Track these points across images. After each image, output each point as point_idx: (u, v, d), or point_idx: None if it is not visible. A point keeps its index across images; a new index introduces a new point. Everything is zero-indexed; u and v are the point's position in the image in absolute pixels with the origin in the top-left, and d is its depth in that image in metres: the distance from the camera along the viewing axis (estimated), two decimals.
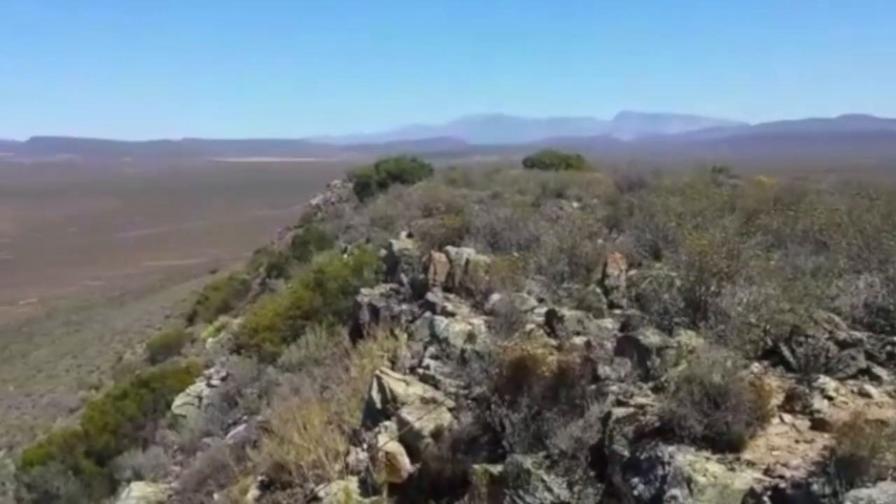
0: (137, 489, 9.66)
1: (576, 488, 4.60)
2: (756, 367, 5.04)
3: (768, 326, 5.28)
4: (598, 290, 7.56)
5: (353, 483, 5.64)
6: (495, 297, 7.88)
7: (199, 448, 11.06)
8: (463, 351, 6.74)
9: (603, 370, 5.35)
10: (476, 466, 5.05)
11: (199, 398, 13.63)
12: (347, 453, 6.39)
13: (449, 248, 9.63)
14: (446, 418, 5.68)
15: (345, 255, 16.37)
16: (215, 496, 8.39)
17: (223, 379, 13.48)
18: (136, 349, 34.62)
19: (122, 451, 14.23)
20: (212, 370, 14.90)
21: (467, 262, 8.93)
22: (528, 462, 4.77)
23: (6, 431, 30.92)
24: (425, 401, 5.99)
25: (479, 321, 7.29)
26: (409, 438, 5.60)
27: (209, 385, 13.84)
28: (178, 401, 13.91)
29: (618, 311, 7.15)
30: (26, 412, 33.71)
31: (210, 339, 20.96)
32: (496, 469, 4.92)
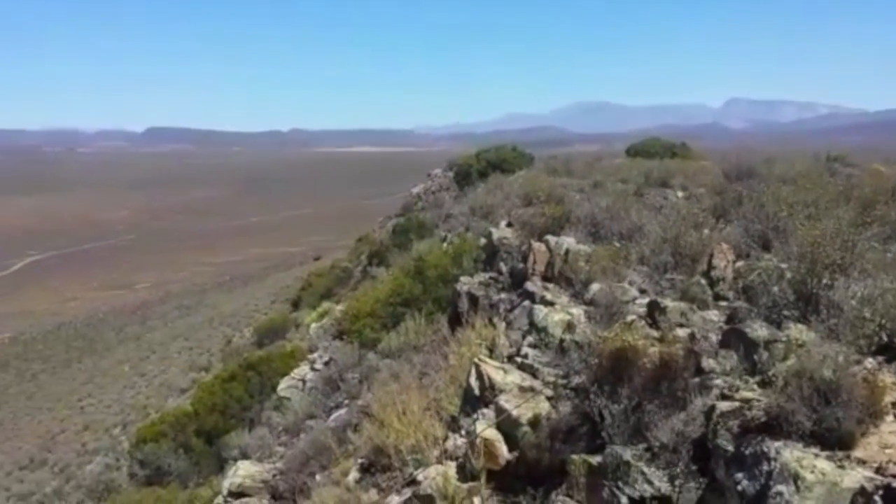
0: (244, 468, 9.97)
1: (677, 482, 4.51)
2: (870, 362, 4.82)
3: (884, 321, 5.03)
4: (703, 281, 7.37)
5: (451, 468, 5.68)
6: (595, 287, 7.78)
7: (302, 430, 11.35)
8: (562, 340, 6.69)
9: (707, 363, 5.21)
10: (574, 457, 5.00)
11: (303, 381, 13.97)
12: (445, 439, 6.44)
13: (549, 237, 9.56)
14: (544, 407, 5.65)
15: (444, 244, 16.47)
16: (317, 477, 8.59)
17: (326, 363, 13.78)
18: (243, 333, 35.80)
19: (229, 430, 14.77)
20: (315, 355, 15.25)
21: (567, 251, 8.84)
22: (627, 454, 4.70)
23: (121, 410, 32.58)
24: (523, 389, 5.98)
25: (578, 311, 7.21)
26: (506, 426, 5.60)
27: (312, 369, 14.17)
28: (283, 384, 14.30)
29: (723, 304, 6.95)
30: (140, 391, 35.42)
31: (313, 325, 21.44)
32: (595, 460, 4.87)
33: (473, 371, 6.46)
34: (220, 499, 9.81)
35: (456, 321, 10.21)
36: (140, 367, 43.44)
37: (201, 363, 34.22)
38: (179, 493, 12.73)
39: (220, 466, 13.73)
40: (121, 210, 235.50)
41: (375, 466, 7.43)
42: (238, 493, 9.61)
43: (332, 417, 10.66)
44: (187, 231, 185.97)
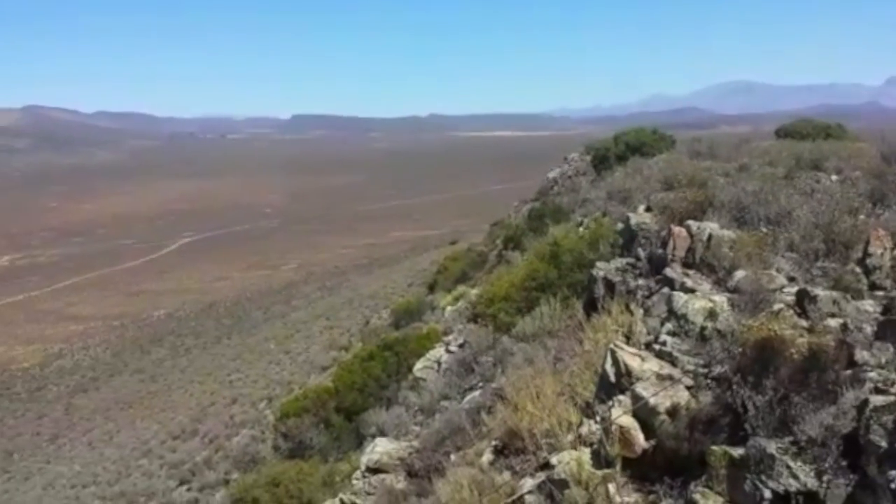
0: (381, 445, 10.24)
1: (825, 477, 4.30)
2: None
3: None
4: (858, 269, 6.95)
5: (585, 454, 5.62)
6: (740, 274, 7.49)
7: (437, 410, 11.53)
8: (703, 329, 6.48)
9: (860, 355, 4.92)
10: (715, 448, 4.85)
11: (438, 363, 14.19)
12: (580, 424, 6.37)
13: (690, 222, 9.25)
14: (683, 396, 5.49)
15: (581, 229, 16.27)
16: (452, 457, 8.71)
17: (461, 346, 13.93)
18: (381, 314, 36.65)
19: (367, 408, 15.20)
20: (450, 337, 15.44)
21: (710, 237, 8.53)
22: (772, 447, 4.51)
23: (267, 385, 34.10)
24: (661, 377, 5.83)
25: (721, 298, 6.95)
26: (643, 414, 5.48)
27: (447, 351, 14.36)
28: (419, 364, 14.57)
29: (880, 293, 6.54)
30: (284, 368, 36.94)
31: (449, 308, 21.72)
32: (737, 452, 4.70)
33: (609, 357, 6.35)
34: (358, 473, 10.11)
35: (591, 307, 10.07)
36: (284, 345, 45.29)
37: (341, 342, 35.31)
38: (320, 466, 13.22)
39: (359, 442, 14.15)
40: (268, 194, 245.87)
41: (509, 449, 7.45)
42: (375, 469, 9.88)
43: (467, 399, 10.77)
44: (330, 214, 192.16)
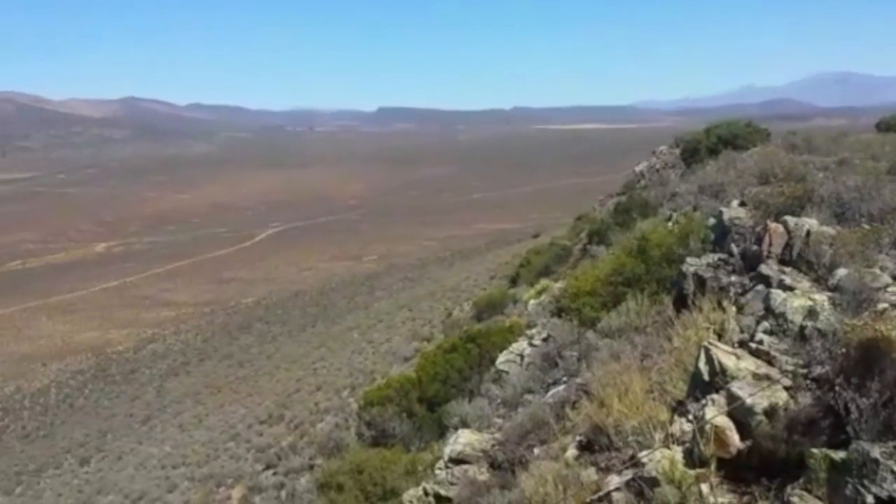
0: (464, 436, 10.26)
1: None
2: None
3: None
4: None
5: (677, 453, 5.50)
6: (842, 272, 7.20)
7: (520, 403, 11.48)
8: (802, 328, 6.25)
9: None
10: (815, 450, 4.67)
11: (521, 356, 14.11)
12: (670, 423, 6.24)
13: (787, 217, 8.94)
14: (781, 397, 5.30)
15: (669, 223, 15.94)
16: (535, 450, 8.66)
17: (544, 340, 13.83)
18: (463, 306, 36.77)
19: (449, 399, 15.25)
20: (533, 330, 15.35)
21: (808, 233, 8.24)
22: (876, 451, 4.32)
23: (350, 373, 34.61)
24: (758, 377, 5.65)
25: (821, 297, 6.70)
26: (738, 414, 5.32)
27: (531, 345, 14.27)
28: (502, 357, 14.52)
29: None
30: (367, 357, 37.42)
31: (532, 301, 21.61)
32: (838, 455, 4.52)
33: (703, 355, 6.19)
34: (441, 463, 10.15)
35: (681, 303, 9.85)
36: (367, 335, 45.91)
37: (423, 333, 35.55)
38: (403, 455, 13.33)
39: (441, 433, 14.20)
40: (353, 186, 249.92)
41: (594, 445, 7.36)
42: (458, 460, 9.90)
43: (550, 393, 10.68)
44: (413, 207, 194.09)
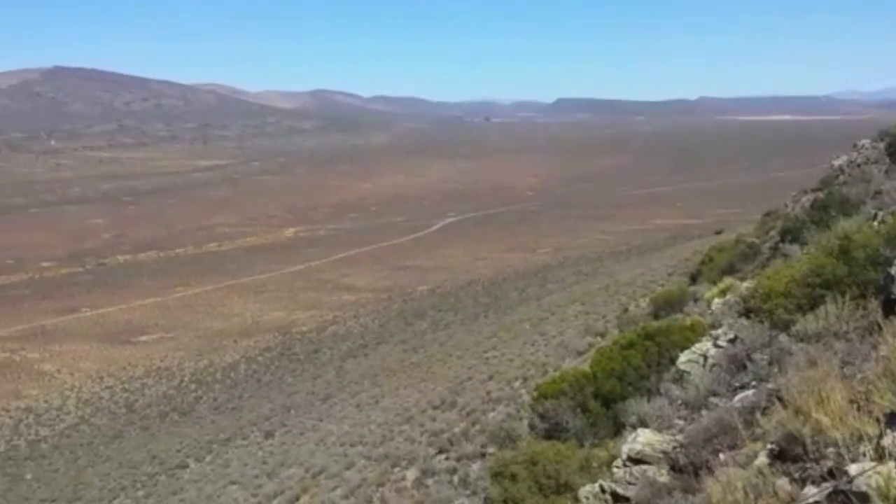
0: (644, 436, 10.00)
1: None
2: None
3: None
4: None
5: (892, 468, 5.07)
6: None
7: (704, 406, 11.06)
8: None
9: None
10: None
11: (704, 357, 13.57)
12: (880, 436, 5.77)
13: None
14: None
15: (874, 223, 14.81)
16: (721, 456, 8.31)
17: (731, 341, 13.22)
18: (639, 302, 35.94)
19: (625, 396, 14.91)
20: (719, 331, 14.71)
21: None
22: None
23: (522, 364, 34.66)
24: None
25: None
26: None
27: (715, 345, 13.69)
28: (683, 357, 14.03)
29: None
30: (539, 349, 37.35)
31: (715, 300, 20.74)
32: None
33: None
34: (618, 462, 9.96)
35: (889, 308, 9.15)
36: (539, 327, 45.86)
37: (597, 328, 35.04)
38: (577, 450, 13.19)
39: (616, 430, 13.95)
40: (529, 177, 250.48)
41: (787, 454, 6.95)
42: (637, 460, 9.68)
43: (738, 398, 10.21)
44: (590, 199, 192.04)
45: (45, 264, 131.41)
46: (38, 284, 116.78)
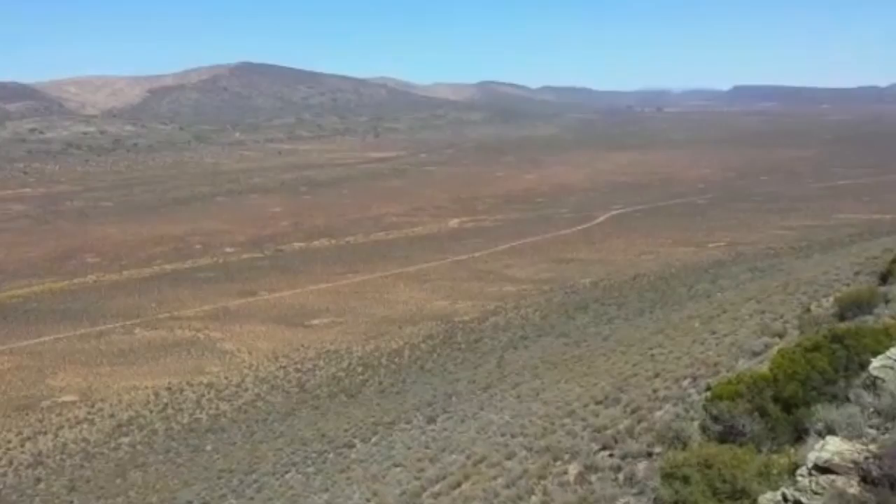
0: (833, 444, 9.36)
1: None
2: None
3: None
4: None
5: None
6: None
7: None
8: None
9: None
10: None
11: None
12: None
13: None
14: None
15: None
16: None
17: None
18: (821, 302, 33.86)
19: (808, 402, 14.03)
20: None
21: None
22: None
23: (691, 363, 33.41)
24: None
25: None
26: None
27: None
28: (876, 362, 13.03)
29: None
30: (710, 348, 35.88)
31: None
32: None
33: None
34: (802, 470, 9.36)
35: None
36: (710, 325, 44.09)
37: (775, 328, 33.20)
38: (755, 455, 12.52)
39: (797, 437, 13.18)
40: (702, 169, 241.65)
41: None
42: (824, 469, 9.06)
43: None
44: (768, 192, 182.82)
45: (228, 249, 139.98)
46: (222, 268, 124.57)
